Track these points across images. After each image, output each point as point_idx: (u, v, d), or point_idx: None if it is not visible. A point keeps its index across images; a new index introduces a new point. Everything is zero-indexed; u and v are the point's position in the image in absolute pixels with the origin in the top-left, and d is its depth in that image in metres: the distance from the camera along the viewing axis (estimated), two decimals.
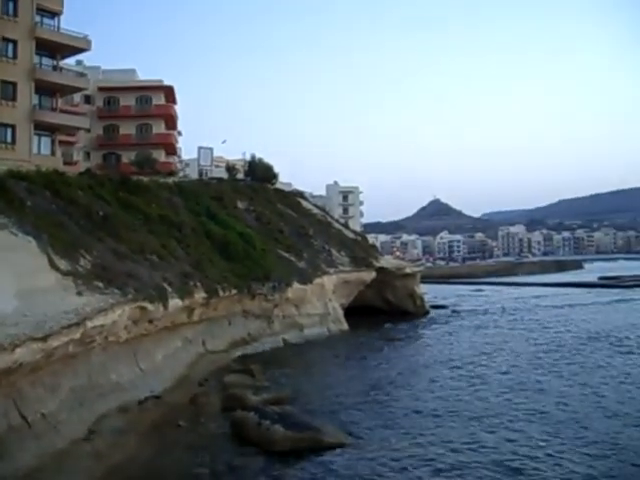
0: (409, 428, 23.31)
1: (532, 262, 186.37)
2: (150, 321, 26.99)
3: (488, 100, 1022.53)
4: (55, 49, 54.89)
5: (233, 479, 18.54)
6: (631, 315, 59.25)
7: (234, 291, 36.83)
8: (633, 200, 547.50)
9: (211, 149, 74.10)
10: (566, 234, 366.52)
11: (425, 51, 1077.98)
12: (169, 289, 28.48)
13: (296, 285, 45.65)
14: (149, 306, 25.89)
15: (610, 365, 34.78)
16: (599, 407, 25.54)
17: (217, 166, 74.30)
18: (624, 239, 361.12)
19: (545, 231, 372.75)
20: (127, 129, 73.29)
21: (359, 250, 61.42)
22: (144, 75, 78.60)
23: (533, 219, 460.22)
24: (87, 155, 73.23)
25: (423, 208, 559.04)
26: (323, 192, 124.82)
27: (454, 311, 65.80)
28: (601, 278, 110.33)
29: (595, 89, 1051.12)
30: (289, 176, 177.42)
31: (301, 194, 72.45)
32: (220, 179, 60.30)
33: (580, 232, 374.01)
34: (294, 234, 54.34)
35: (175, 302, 28.48)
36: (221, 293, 34.67)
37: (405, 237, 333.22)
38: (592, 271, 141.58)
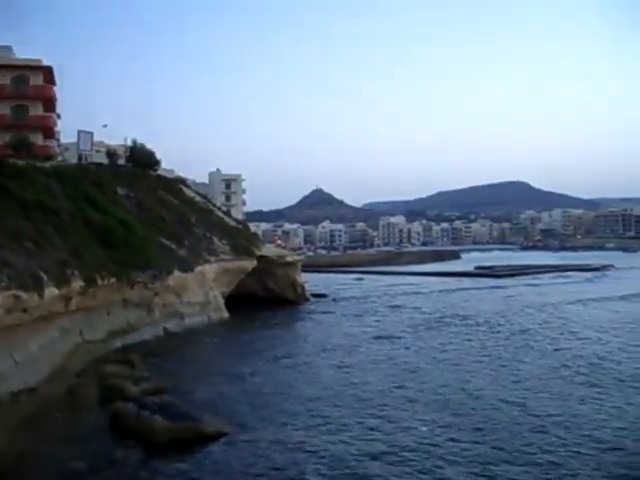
0: (287, 414, 23.73)
1: (411, 252, 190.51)
2: (24, 310, 26.10)
3: (371, 92, 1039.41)
4: None
5: (111, 473, 18.19)
6: (490, 300, 63.90)
7: (113, 279, 36.06)
8: (508, 193, 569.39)
9: (91, 133, 71.97)
10: (444, 225, 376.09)
11: (308, 34, 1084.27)
12: (45, 277, 27.59)
13: (177, 273, 45.21)
14: (23, 295, 25.03)
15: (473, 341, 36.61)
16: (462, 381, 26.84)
17: (98, 151, 72.12)
18: (499, 230, 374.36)
19: (424, 222, 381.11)
20: (1, 110, 70.28)
21: (241, 238, 61.35)
22: (22, 54, 75.48)
23: (413, 210, 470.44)
24: None
25: (306, 197, 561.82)
26: (206, 180, 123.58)
27: (335, 299, 66.72)
28: (477, 268, 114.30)
29: (474, 89, 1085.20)
30: (172, 163, 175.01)
31: (183, 181, 71.62)
32: (100, 164, 58.73)
33: (458, 223, 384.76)
34: (176, 222, 53.72)
35: (51, 291, 27.63)
36: (100, 281, 33.87)
37: (287, 226, 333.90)
38: (469, 261, 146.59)
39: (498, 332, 43.91)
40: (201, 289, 49.52)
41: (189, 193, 65.34)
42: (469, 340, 40.72)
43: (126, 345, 37.40)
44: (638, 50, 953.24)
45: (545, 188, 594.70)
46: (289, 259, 66.17)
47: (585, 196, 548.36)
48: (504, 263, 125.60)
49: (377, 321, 50.93)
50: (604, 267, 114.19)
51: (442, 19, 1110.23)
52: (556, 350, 36.68)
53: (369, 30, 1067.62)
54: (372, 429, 21.77)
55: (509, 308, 57.55)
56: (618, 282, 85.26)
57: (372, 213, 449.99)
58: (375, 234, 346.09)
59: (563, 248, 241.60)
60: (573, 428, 21.54)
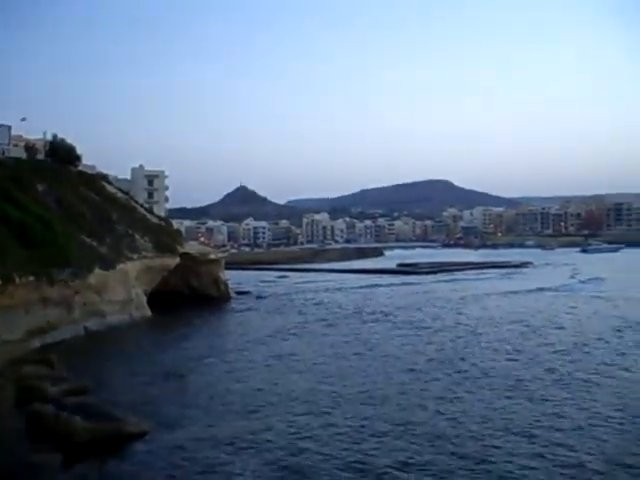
0: (212, 413, 23.73)
1: (335, 249, 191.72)
2: None
3: (298, 90, 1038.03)
4: None
5: (29, 477, 17.71)
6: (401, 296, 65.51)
7: (32, 278, 35.36)
8: (431, 191, 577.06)
9: (9, 127, 70.14)
10: (368, 223, 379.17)
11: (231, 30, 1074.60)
12: None
13: (98, 271, 44.60)
14: None
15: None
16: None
17: (15, 145, 70.42)
18: (422, 228, 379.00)
19: (348, 219, 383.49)
20: None
21: (163, 236, 60.81)
22: None
23: (337, 207, 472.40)
24: None
25: (229, 194, 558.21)
26: (128, 176, 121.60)
27: (258, 297, 66.73)
28: (399, 265, 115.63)
29: (398, 89, 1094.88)
30: (93, 158, 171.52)
31: (105, 177, 70.40)
32: (18, 159, 57.37)
33: (381, 221, 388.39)
34: (97, 219, 52.91)
35: None
36: (17, 280, 33.19)
37: (210, 223, 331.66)
38: (392, 258, 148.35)
39: (413, 325, 45.95)
40: (123, 287, 48.88)
41: (111, 189, 64.35)
42: (389, 332, 42.16)
43: (45, 345, 36.57)
44: (568, 52, 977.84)
45: (467, 187, 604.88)
46: (212, 256, 65.94)
47: (506, 195, 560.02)
48: (426, 260, 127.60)
49: (299, 317, 51.44)
50: (523, 264, 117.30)
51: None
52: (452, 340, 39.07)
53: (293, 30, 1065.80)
54: (298, 424, 21.95)
55: (422, 302, 60.08)
56: (527, 278, 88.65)
57: (296, 210, 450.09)
58: (299, 231, 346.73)
59: (484, 246, 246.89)
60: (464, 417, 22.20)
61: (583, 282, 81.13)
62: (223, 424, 22.20)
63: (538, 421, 22.21)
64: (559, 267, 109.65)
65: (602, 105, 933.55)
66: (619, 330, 41.89)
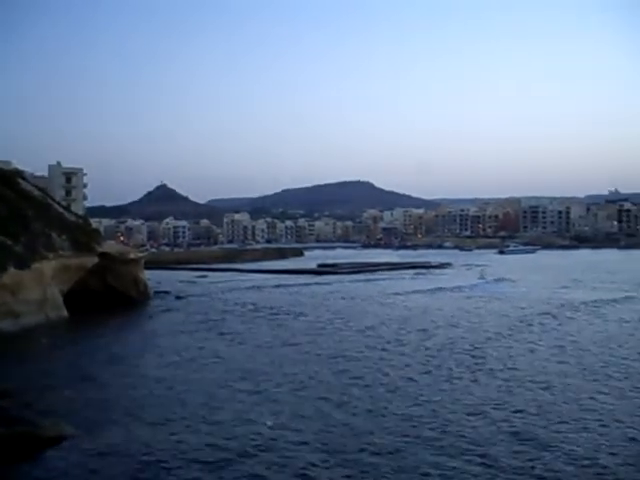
0: (131, 416, 23.44)
1: (255, 249, 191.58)
2: None
3: (213, 90, 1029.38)
4: None
5: None
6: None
7: None
8: (352, 192, 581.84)
9: None
10: (289, 223, 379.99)
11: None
12: None
13: (12, 270, 43.60)
14: None
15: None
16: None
17: None
18: (342, 229, 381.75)
19: (269, 219, 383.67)
20: None
21: (81, 235, 59.71)
22: None
23: (258, 207, 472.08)
24: None
25: (149, 193, 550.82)
26: (45, 173, 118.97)
27: (178, 297, 66.20)
28: (320, 265, 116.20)
29: (311, 88, 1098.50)
30: (9, 154, 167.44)
31: (20, 174, 68.70)
32: None
33: (302, 221, 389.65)
34: (11, 216, 51.60)
35: None
36: None
37: (130, 222, 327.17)
38: (312, 258, 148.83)
39: (320, 321, 48.37)
40: (38, 287, 47.80)
41: (26, 186, 62.79)
42: (307, 330, 42.36)
43: None
44: (476, 52, 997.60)
45: (388, 188, 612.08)
46: (131, 256, 65.13)
47: (426, 197, 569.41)
48: (346, 261, 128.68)
49: (218, 317, 51.40)
50: (442, 265, 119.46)
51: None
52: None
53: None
54: (218, 424, 21.93)
55: (330, 301, 62.42)
56: (437, 279, 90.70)
57: (217, 210, 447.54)
58: (219, 231, 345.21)
59: (404, 246, 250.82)
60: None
61: (488, 282, 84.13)
62: (142, 429, 21.94)
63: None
64: (473, 268, 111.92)
65: (516, 110, 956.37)
66: (497, 331, 43.38)
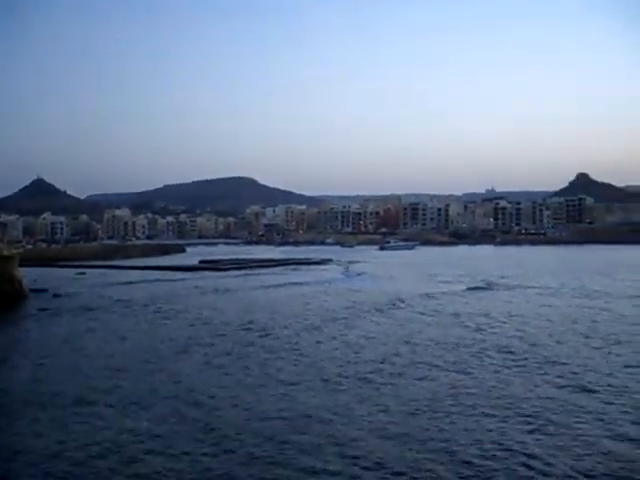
0: (7, 418, 23.26)
1: (136, 245, 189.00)
2: None
3: (102, 81, 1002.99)
4: None
5: None
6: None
7: None
8: (234, 188, 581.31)
9: None
10: (170, 218, 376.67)
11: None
12: None
13: None
14: None
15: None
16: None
17: None
18: (224, 225, 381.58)
19: (150, 215, 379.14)
20: None
21: None
22: None
23: (139, 203, 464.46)
24: None
25: (25, 187, 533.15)
26: None
27: (55, 295, 65.00)
28: (201, 262, 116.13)
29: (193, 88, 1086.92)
30: None
31: None
32: None
33: (184, 217, 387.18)
34: None
35: None
36: None
37: (4, 217, 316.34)
38: (194, 255, 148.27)
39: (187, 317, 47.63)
40: None
41: None
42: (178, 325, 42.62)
43: None
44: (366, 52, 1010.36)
45: (271, 185, 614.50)
46: (5, 253, 63.66)
47: (309, 193, 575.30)
48: (228, 257, 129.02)
49: (94, 314, 50.76)
50: (323, 261, 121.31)
51: None
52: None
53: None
54: (94, 428, 21.68)
55: (199, 295, 64.05)
56: (304, 274, 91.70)
57: (96, 205, 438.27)
58: (99, 227, 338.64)
59: (286, 243, 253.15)
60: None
61: (350, 277, 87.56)
62: (21, 430, 21.74)
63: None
64: (349, 264, 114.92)
65: (398, 108, 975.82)
66: (330, 319, 45.63)
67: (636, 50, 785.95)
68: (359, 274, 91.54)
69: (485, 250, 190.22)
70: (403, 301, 55.75)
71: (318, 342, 36.69)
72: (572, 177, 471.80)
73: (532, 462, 17.78)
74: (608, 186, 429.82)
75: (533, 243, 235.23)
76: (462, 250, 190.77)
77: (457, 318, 45.37)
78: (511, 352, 32.82)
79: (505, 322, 43.49)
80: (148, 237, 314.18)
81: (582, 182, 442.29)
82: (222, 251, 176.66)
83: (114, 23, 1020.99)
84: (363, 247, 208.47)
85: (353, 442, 19.65)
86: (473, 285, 69.25)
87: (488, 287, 67.91)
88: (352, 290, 67.50)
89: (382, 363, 30.64)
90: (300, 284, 74.86)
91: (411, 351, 33.60)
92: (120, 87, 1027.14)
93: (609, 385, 25.80)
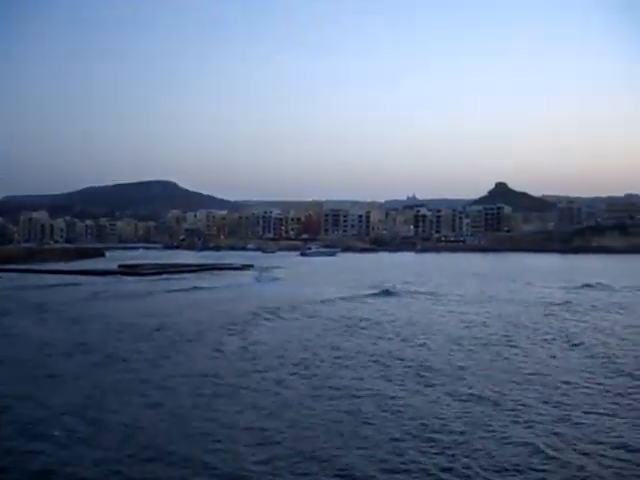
0: None
1: (54, 249, 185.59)
2: None
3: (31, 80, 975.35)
4: None
5: None
6: None
7: None
8: (155, 192, 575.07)
9: None
10: (89, 222, 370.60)
11: None
12: None
13: None
14: None
15: None
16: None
17: None
18: (145, 229, 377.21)
19: (69, 218, 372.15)
20: None
21: None
22: None
23: (58, 205, 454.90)
24: None
25: None
26: None
27: None
28: (120, 266, 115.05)
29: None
30: None
31: None
32: None
33: (103, 220, 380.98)
34: None
35: None
36: None
37: None
38: (113, 259, 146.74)
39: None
40: None
41: None
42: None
43: None
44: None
45: (192, 189, 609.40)
46: None
47: (231, 198, 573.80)
48: (148, 262, 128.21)
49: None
50: (245, 267, 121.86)
51: None
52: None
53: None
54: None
55: (104, 300, 63.76)
56: (217, 280, 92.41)
57: (11, 207, 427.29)
58: (15, 229, 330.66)
59: (207, 248, 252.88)
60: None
61: (261, 282, 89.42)
62: None
63: None
64: (261, 269, 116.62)
65: (322, 115, 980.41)
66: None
67: (549, 65, 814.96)
68: (273, 280, 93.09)
69: (405, 257, 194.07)
70: (298, 307, 56.18)
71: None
72: (491, 186, 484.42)
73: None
74: (525, 195, 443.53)
75: (452, 250, 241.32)
76: (382, 257, 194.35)
77: (337, 322, 46.60)
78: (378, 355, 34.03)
79: (382, 326, 45.09)
80: (67, 240, 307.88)
81: (501, 191, 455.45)
82: (142, 255, 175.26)
83: None
84: (284, 253, 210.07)
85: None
86: (375, 291, 71.12)
87: (390, 293, 69.38)
88: (258, 295, 68.02)
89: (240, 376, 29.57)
90: (211, 289, 75.72)
91: (280, 355, 34.03)
92: (40, 85, 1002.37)
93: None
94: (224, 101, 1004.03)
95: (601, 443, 19.65)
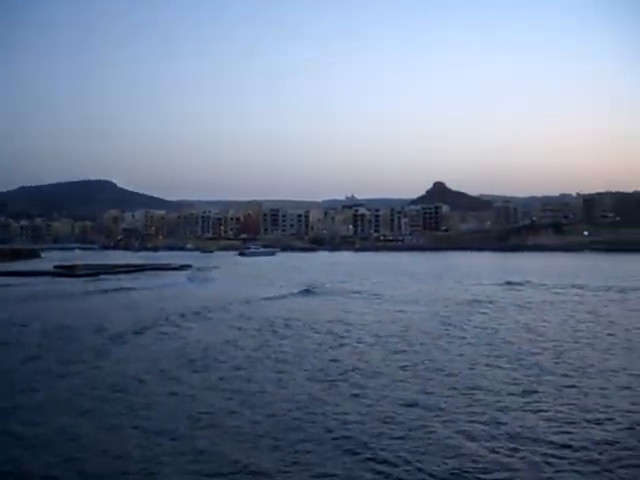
0: None
1: None
2: None
3: None
4: None
5: None
6: None
7: None
8: (93, 191, 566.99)
9: None
10: (24, 222, 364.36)
11: None
12: None
13: None
14: None
15: None
16: None
17: None
18: (81, 229, 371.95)
19: (3, 218, 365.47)
20: None
21: None
22: None
23: None
24: None
25: None
26: None
27: None
28: (56, 267, 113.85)
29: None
30: None
31: None
32: None
33: (39, 221, 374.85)
34: None
35: None
36: None
37: None
38: (50, 260, 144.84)
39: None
40: None
41: None
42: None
43: None
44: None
45: (132, 189, 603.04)
46: None
47: (169, 198, 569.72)
48: (85, 262, 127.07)
49: None
50: (183, 267, 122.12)
51: None
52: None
53: None
54: None
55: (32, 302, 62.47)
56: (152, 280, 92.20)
57: None
58: None
59: (145, 248, 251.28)
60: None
61: (192, 282, 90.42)
62: None
63: None
64: (194, 269, 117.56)
65: (254, 116, 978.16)
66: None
67: (491, 73, 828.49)
68: (206, 279, 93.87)
69: (343, 256, 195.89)
70: (222, 308, 56.03)
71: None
72: (429, 186, 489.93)
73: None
74: (463, 195, 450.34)
75: (391, 250, 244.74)
76: (320, 256, 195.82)
77: (253, 323, 46.71)
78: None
79: (302, 325, 45.66)
80: (1, 241, 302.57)
81: (438, 190, 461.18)
82: (78, 256, 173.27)
83: None
84: (223, 253, 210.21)
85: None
86: (301, 289, 73.34)
87: (312, 293, 71.11)
88: (186, 296, 67.80)
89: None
90: (140, 289, 75.52)
91: (203, 356, 34.08)
92: None
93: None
94: (162, 99, 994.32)
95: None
